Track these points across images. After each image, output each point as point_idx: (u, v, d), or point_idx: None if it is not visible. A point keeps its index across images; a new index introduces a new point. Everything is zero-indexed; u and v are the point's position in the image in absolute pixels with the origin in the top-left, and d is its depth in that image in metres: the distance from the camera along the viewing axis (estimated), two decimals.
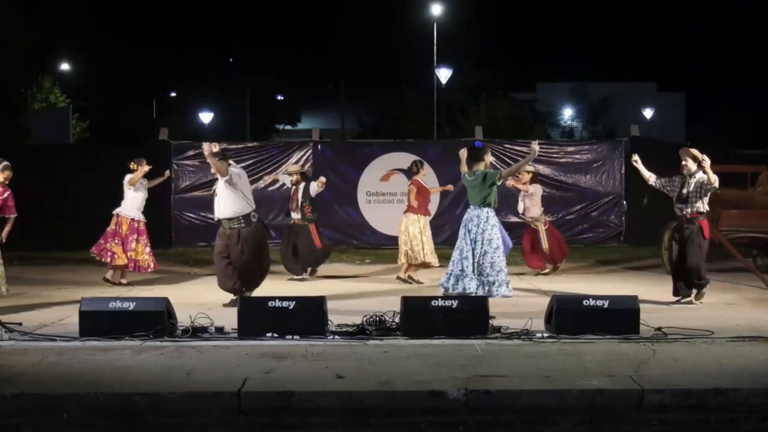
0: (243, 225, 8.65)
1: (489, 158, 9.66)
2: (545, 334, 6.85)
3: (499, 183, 9.23)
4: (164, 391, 5.17)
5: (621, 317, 6.85)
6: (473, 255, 8.98)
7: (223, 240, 8.78)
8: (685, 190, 8.95)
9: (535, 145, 9.64)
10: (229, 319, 7.06)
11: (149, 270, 11.07)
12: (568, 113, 46.85)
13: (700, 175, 8.92)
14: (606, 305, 6.91)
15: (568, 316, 6.87)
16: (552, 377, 5.46)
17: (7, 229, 8.97)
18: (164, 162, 16.32)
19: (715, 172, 8.84)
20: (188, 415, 5.09)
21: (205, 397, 5.12)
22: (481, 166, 9.13)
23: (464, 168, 9.48)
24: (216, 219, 8.98)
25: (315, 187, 11.53)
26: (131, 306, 6.81)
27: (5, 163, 9.10)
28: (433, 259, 10.94)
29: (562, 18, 61.52)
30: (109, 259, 10.71)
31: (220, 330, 6.94)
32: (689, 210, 8.94)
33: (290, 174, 11.79)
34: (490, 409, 5.12)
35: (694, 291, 8.96)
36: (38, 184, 15.07)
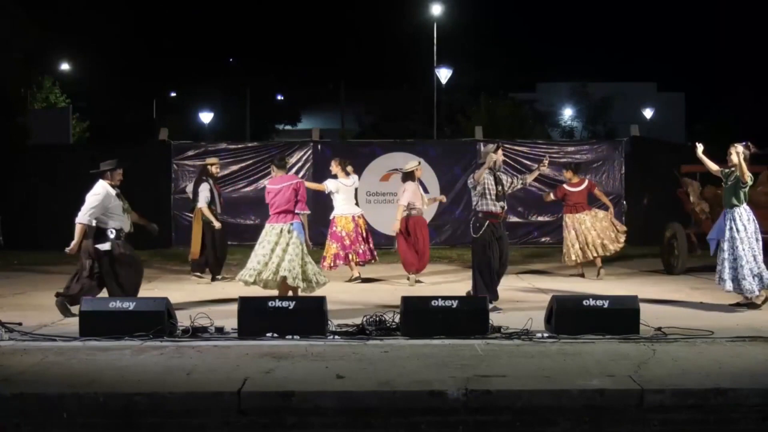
0: None
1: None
2: (545, 334, 6.85)
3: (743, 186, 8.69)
4: (164, 391, 5.17)
5: (621, 317, 6.86)
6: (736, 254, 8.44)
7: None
8: (500, 187, 8.63)
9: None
10: (229, 319, 7.06)
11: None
12: (568, 113, 46.80)
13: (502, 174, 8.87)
14: (606, 305, 6.92)
15: (568, 316, 6.88)
16: (552, 377, 5.46)
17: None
18: (164, 162, 16.41)
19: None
20: (188, 415, 5.09)
21: (205, 397, 5.12)
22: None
23: (713, 168, 9.03)
24: (122, 232, 8.15)
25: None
26: (131, 306, 6.81)
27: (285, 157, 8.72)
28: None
29: (562, 18, 61.64)
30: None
31: (220, 330, 6.94)
32: (505, 206, 8.75)
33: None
34: (490, 409, 5.12)
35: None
36: (37, 185, 15.10)
